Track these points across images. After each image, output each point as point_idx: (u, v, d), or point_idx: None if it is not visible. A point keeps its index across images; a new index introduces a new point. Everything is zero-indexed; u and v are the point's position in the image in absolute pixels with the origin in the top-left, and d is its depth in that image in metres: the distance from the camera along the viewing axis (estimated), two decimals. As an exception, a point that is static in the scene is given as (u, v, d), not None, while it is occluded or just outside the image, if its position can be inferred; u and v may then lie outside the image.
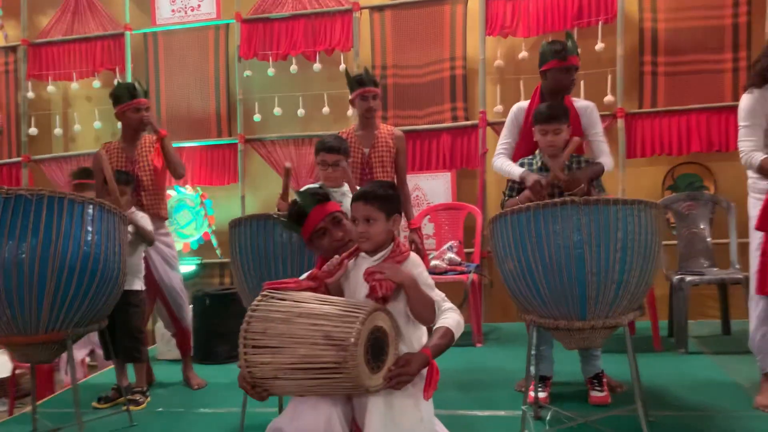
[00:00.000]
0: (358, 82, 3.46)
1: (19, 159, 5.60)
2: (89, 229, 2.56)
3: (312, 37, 5.15)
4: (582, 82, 4.65)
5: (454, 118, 5.00)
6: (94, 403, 3.29)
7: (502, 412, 2.85)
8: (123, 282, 2.80)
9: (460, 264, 4.32)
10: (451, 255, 4.36)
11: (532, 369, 2.62)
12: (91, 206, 2.59)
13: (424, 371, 1.78)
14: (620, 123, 4.67)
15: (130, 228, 3.24)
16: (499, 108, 4.91)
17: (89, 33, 5.50)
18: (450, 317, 1.88)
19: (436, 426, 1.89)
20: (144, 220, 3.33)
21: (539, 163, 2.98)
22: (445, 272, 4.29)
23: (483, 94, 4.92)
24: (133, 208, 3.38)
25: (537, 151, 3.04)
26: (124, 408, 3.07)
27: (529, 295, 2.36)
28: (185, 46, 5.44)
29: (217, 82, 5.39)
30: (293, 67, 5.13)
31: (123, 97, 3.51)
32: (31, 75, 5.58)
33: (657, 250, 2.32)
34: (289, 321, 1.70)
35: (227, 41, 5.36)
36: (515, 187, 3.09)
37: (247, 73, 5.29)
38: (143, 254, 3.42)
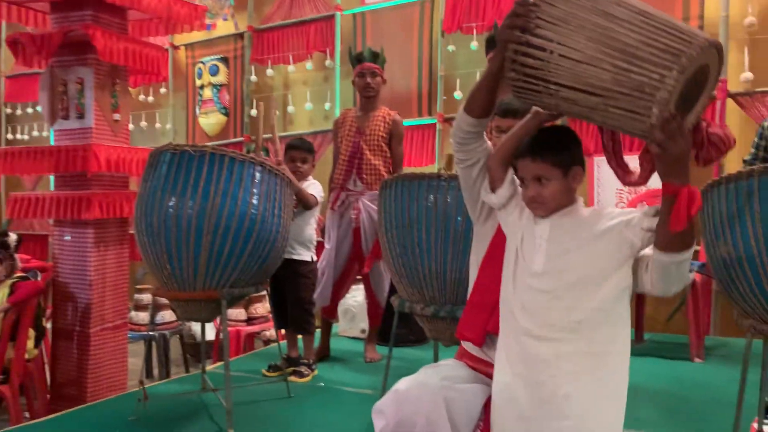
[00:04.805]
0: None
1: (241, 139, 6.01)
2: (248, 188, 2.52)
3: (522, 2, 4.73)
4: None
5: (685, 90, 4.20)
6: (264, 371, 3.28)
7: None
8: (283, 246, 2.73)
9: (679, 261, 3.58)
10: (668, 249, 3.63)
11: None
12: (252, 166, 2.55)
13: None
14: None
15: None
16: (747, 75, 3.96)
17: (304, 16, 5.69)
18: None
19: None
20: (312, 187, 3.23)
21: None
22: (659, 269, 3.59)
23: (724, 60, 4.05)
24: (310, 178, 3.31)
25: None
26: (289, 378, 3.04)
27: (747, 291, 1.76)
28: (391, 24, 5.36)
29: (420, 59, 5.22)
30: (498, 39, 4.74)
31: (352, 63, 3.60)
32: (254, 59, 5.94)
33: None
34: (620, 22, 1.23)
35: (432, 16, 5.16)
36: (760, 154, 2.38)
37: (451, 47, 5.03)
38: (315, 225, 3.33)
